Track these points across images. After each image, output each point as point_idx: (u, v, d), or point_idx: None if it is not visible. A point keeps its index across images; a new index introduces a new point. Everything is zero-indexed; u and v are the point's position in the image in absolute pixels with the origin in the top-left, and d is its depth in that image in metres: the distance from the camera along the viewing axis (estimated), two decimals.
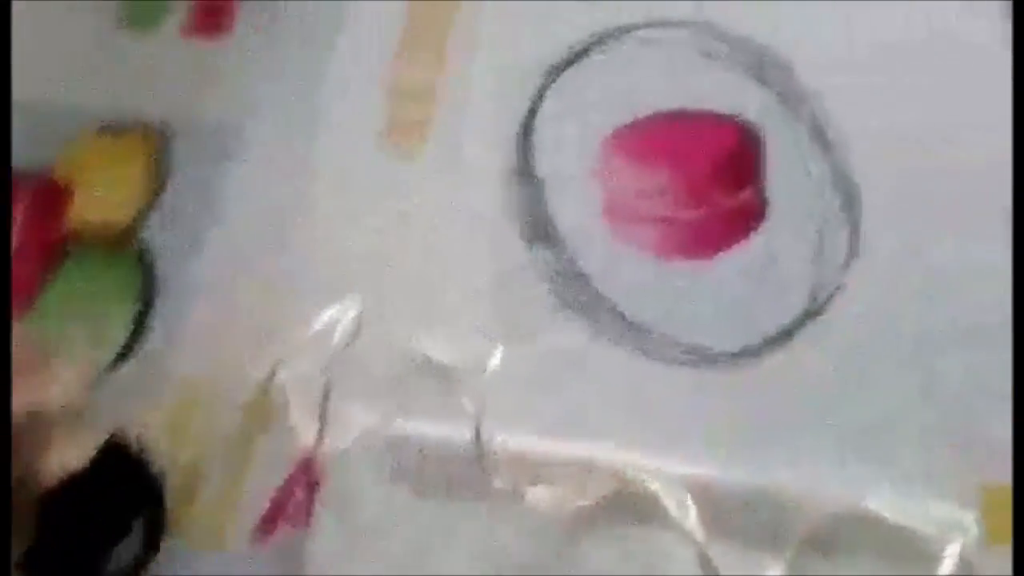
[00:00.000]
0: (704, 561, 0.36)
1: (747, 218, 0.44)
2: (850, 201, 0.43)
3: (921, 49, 0.45)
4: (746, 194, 0.44)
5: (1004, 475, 0.37)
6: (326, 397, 0.37)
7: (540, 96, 0.47)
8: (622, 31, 0.47)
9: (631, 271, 0.43)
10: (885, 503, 0.37)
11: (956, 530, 0.37)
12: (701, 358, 0.41)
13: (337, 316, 0.39)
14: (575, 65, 0.47)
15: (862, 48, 0.46)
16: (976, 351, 0.40)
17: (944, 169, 0.43)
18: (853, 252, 0.42)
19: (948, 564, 0.36)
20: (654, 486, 0.37)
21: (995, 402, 0.39)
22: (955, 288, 0.41)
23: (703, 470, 0.39)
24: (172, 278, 0.42)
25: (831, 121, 0.45)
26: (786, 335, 0.41)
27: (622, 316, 0.42)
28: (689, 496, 0.37)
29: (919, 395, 0.40)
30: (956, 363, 0.40)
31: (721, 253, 0.43)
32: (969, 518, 0.37)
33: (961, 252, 0.42)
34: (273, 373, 0.39)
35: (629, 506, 0.38)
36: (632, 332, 0.42)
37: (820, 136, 0.45)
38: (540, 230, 0.44)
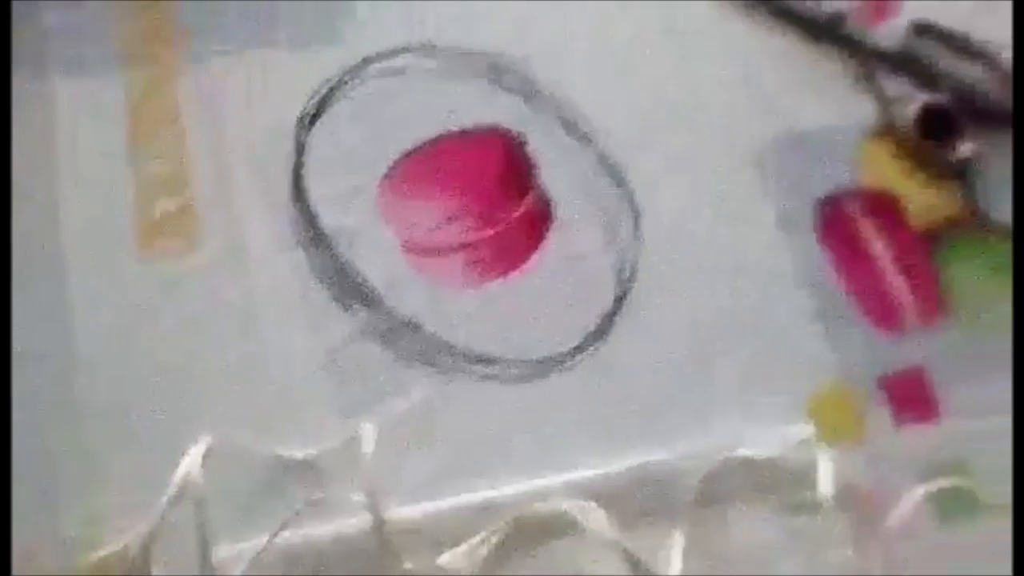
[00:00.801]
0: (628, 557, 0.37)
1: (539, 221, 0.45)
2: (621, 182, 0.46)
3: (650, 34, 0.49)
4: (530, 199, 0.46)
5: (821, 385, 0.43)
6: (205, 546, 0.34)
7: (299, 154, 0.44)
8: (358, 69, 0.46)
9: (452, 305, 0.43)
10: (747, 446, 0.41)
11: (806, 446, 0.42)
12: (547, 367, 0.43)
13: (188, 464, 0.35)
14: (325, 112, 0.45)
15: (590, 38, 0.49)
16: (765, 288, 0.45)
17: (684, 138, 0.48)
18: (638, 229, 0.46)
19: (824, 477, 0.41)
20: (554, 502, 0.38)
21: (803, 326, 0.45)
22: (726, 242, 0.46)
23: (586, 472, 0.40)
24: None
25: (579, 113, 0.47)
26: (608, 321, 0.44)
27: (460, 352, 0.42)
28: (592, 501, 0.38)
29: (742, 337, 0.44)
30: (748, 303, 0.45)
31: (528, 262, 0.45)
32: (806, 429, 0.42)
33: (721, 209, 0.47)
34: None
35: (539, 529, 0.38)
36: (476, 364, 0.42)
37: (574, 129, 0.47)
38: (350, 291, 0.42)
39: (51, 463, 0.38)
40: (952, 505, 0.43)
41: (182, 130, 0.44)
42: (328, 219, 0.44)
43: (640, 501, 0.40)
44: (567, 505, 0.38)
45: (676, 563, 0.38)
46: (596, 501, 0.39)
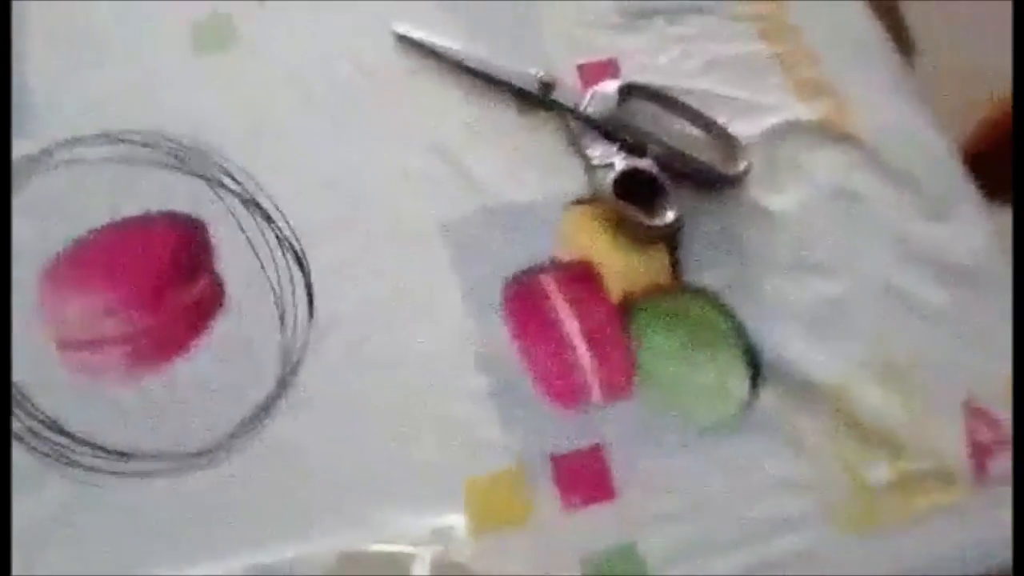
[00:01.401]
0: None
1: (207, 307, 0.45)
2: (300, 261, 0.46)
3: (342, 113, 0.49)
4: (200, 285, 0.45)
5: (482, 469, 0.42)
6: None
7: None
8: (32, 161, 0.46)
9: (104, 400, 0.42)
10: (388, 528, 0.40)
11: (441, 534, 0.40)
12: (195, 459, 0.42)
13: None
14: None
15: (278, 125, 0.49)
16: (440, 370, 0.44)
17: (371, 214, 0.47)
18: (312, 311, 0.45)
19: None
20: None
21: (473, 408, 0.43)
22: (421, 322, 0.45)
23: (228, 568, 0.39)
24: None
25: (262, 190, 0.47)
26: (269, 406, 0.43)
27: (103, 449, 0.41)
28: None
29: (392, 427, 0.43)
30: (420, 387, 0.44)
31: (191, 349, 0.44)
32: (456, 518, 0.41)
33: (405, 288, 0.46)
34: None
35: None
36: (119, 461, 0.41)
37: (255, 207, 0.47)
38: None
39: None
40: None
41: None
42: None
43: None
44: None
45: None
46: None
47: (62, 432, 0.41)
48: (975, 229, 0.51)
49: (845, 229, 0.49)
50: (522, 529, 0.42)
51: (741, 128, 0.51)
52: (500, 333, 0.46)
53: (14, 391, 0.42)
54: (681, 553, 0.42)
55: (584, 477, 0.43)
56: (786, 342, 0.46)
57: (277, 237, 0.47)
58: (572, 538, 0.42)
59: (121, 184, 0.47)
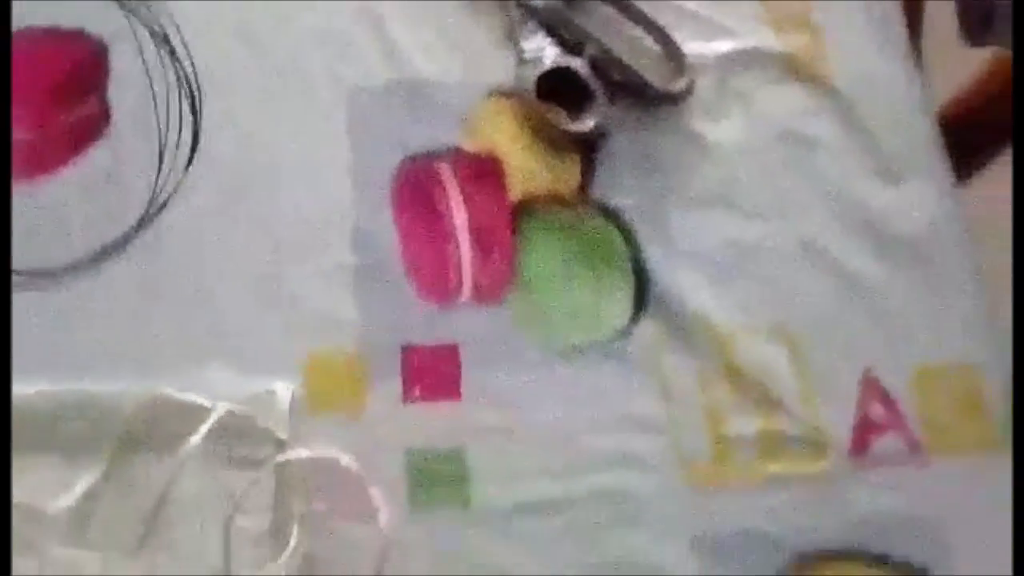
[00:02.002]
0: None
1: (87, 131, 0.43)
2: (193, 104, 0.44)
3: None
4: (88, 106, 0.44)
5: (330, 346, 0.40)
6: None
7: None
8: None
9: None
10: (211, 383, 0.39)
11: (270, 402, 0.39)
12: (39, 279, 0.40)
13: None
14: None
15: None
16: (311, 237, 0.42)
17: (278, 67, 0.45)
18: (192, 157, 0.43)
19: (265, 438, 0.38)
20: None
21: (334, 284, 0.41)
22: (301, 187, 0.43)
23: (29, 389, 0.38)
24: None
25: (177, 26, 0.45)
26: (123, 243, 0.41)
27: None
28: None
29: (261, 284, 0.42)
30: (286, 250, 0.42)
31: (61, 169, 0.42)
32: (287, 389, 0.39)
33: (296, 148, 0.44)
34: None
35: None
36: None
37: (163, 40, 0.45)
38: None
39: None
40: (431, 496, 0.39)
41: None
42: None
43: (65, 428, 0.38)
44: None
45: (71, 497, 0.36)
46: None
47: None
48: (927, 201, 0.47)
49: (781, 175, 0.46)
50: (354, 413, 0.40)
51: (697, 47, 0.48)
52: (383, 213, 0.43)
53: None
54: (509, 469, 0.40)
55: (431, 373, 0.41)
56: (681, 279, 0.43)
57: (177, 76, 0.45)
58: (403, 431, 0.40)
59: None
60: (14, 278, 0.41)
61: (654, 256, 0.44)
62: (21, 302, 0.40)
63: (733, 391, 0.42)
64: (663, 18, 0.48)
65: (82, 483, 0.37)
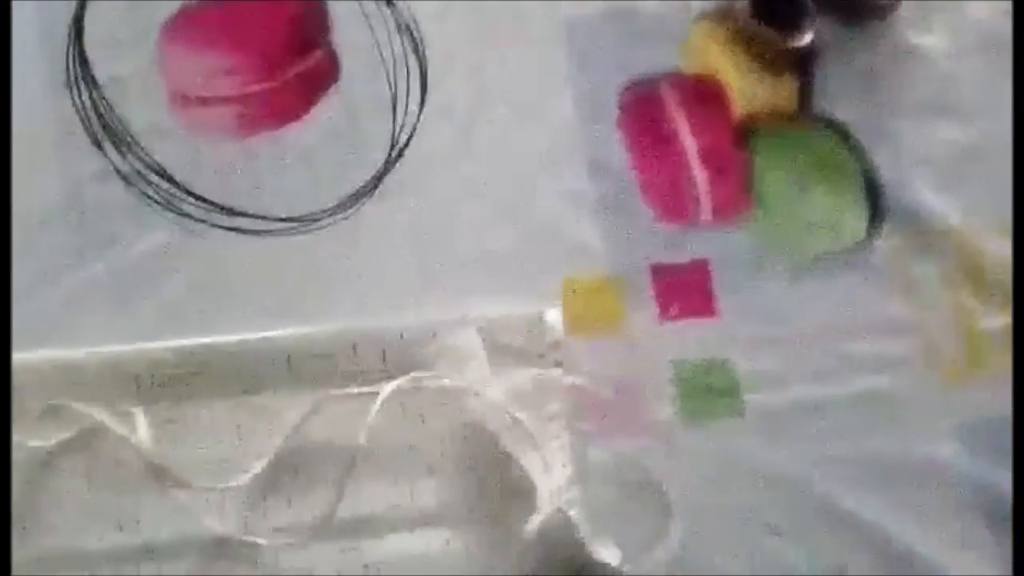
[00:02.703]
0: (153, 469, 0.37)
1: (321, 79, 0.44)
2: (416, 47, 0.45)
3: None
4: (316, 56, 0.45)
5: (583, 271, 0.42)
6: None
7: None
8: None
9: (211, 156, 0.43)
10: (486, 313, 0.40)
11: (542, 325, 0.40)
12: (296, 224, 0.42)
13: None
14: None
15: None
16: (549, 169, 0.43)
17: (494, 4, 0.46)
18: (424, 99, 0.44)
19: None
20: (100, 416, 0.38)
21: (576, 211, 0.43)
22: (531, 119, 0.44)
23: (312, 328, 0.40)
24: None
25: None
26: (372, 185, 0.43)
27: (208, 202, 0.42)
28: (141, 411, 0.38)
29: (508, 216, 0.43)
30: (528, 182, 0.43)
31: (302, 119, 0.43)
32: (554, 313, 0.40)
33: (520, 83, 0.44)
34: None
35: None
36: (222, 215, 0.41)
37: None
38: (107, 133, 0.42)
39: None
40: (703, 407, 0.40)
41: None
42: (101, 64, 0.43)
43: (357, 363, 0.39)
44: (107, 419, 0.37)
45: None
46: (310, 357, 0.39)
47: (170, 180, 0.42)
48: None
49: (992, 76, 0.46)
50: (615, 334, 0.42)
51: None
52: (612, 141, 0.45)
53: (128, 137, 0.42)
54: (774, 376, 0.41)
55: (685, 291, 0.43)
56: (913, 185, 0.44)
57: (397, 23, 0.46)
58: (665, 346, 0.42)
59: None
60: (267, 225, 0.42)
61: (881, 165, 0.45)
62: (281, 247, 0.42)
63: (977, 286, 0.43)
64: None
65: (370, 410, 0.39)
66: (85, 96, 0.43)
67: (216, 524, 0.37)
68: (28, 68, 0.43)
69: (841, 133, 0.45)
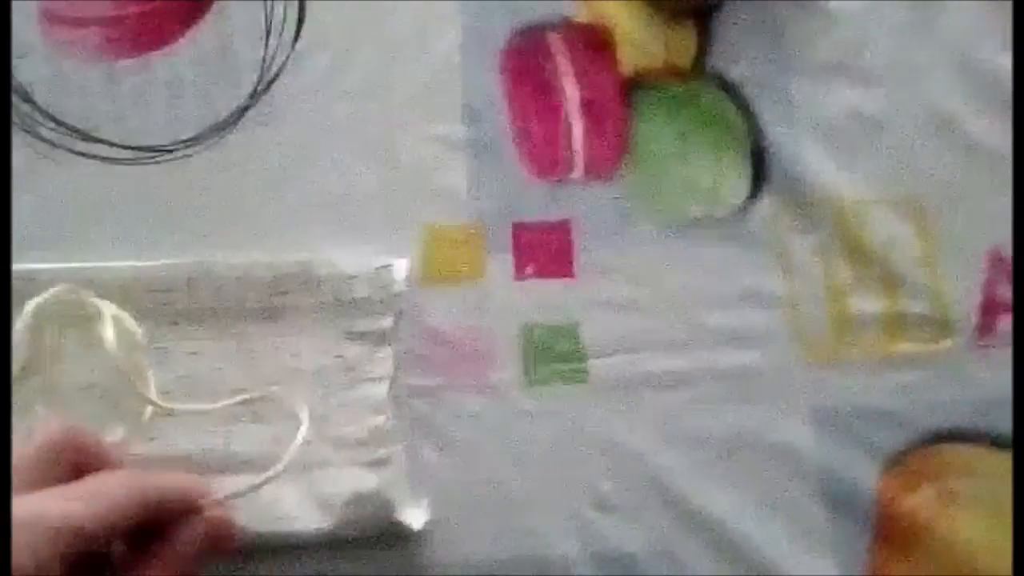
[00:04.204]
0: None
1: (194, 5, 0.42)
2: None
3: None
4: None
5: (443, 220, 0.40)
6: None
7: None
8: None
9: (76, 78, 0.41)
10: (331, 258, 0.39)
11: (388, 276, 0.38)
12: (153, 154, 0.41)
13: None
14: None
15: None
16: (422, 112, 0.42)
17: None
18: (299, 30, 0.42)
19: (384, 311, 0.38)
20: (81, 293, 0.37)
21: (445, 156, 0.41)
22: (409, 57, 0.42)
23: (152, 262, 0.39)
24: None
25: None
26: (236, 117, 0.41)
27: (66, 125, 0.41)
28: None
29: (373, 157, 0.41)
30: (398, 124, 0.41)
31: (171, 45, 0.42)
32: (403, 263, 0.39)
33: (403, 18, 0.42)
34: None
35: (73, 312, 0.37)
36: (79, 139, 0.40)
37: None
38: None
39: None
40: (547, 370, 0.39)
41: None
42: None
43: (192, 299, 0.38)
44: (92, 299, 0.36)
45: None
46: (137, 292, 0.38)
47: (29, 100, 0.41)
48: None
49: (908, 41, 0.43)
50: (468, 287, 0.40)
51: None
52: (492, 85, 0.42)
53: None
54: (623, 343, 0.39)
55: (544, 250, 0.41)
56: (803, 151, 0.41)
57: None
58: (516, 306, 0.40)
59: None
60: (127, 153, 0.41)
61: (775, 129, 0.42)
62: (139, 175, 0.41)
63: (856, 267, 0.40)
64: None
65: (209, 352, 0.38)
66: None
67: None
68: None
69: (733, 91, 0.42)
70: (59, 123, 0.41)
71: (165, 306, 0.38)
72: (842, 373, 0.40)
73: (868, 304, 0.40)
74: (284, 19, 0.43)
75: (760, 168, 0.42)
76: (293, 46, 0.43)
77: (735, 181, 0.41)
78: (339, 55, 0.42)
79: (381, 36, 0.43)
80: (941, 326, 0.40)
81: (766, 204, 0.41)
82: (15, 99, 0.41)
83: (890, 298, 0.40)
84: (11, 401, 0.35)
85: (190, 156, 0.41)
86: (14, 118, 0.41)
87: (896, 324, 0.40)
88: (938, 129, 0.42)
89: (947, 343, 0.40)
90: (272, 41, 0.43)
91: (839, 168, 0.41)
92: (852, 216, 0.41)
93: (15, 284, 0.38)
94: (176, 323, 0.38)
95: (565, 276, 0.40)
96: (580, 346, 0.40)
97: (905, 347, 0.40)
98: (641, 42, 0.43)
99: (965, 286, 0.41)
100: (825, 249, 0.41)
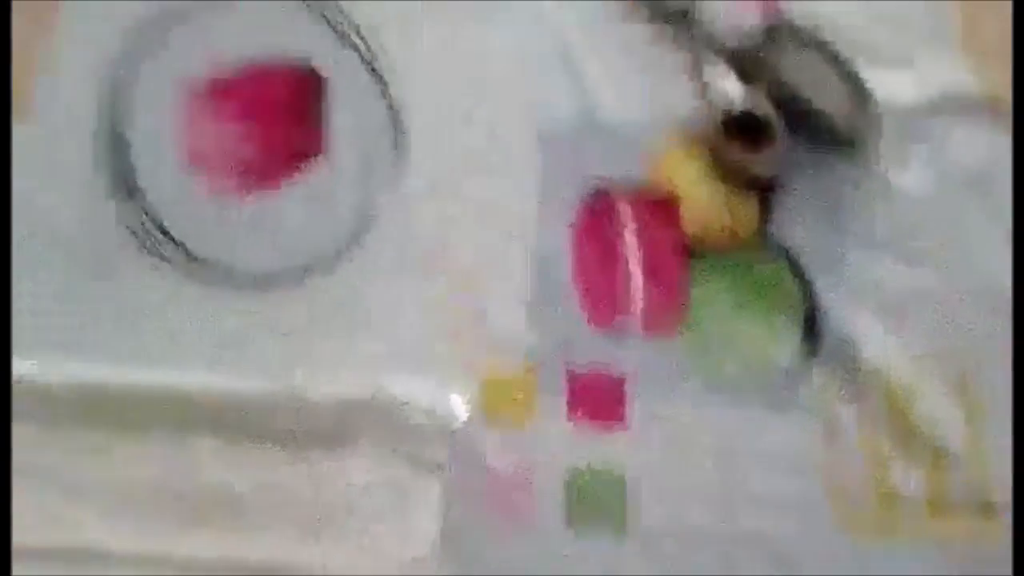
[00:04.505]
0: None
1: (307, 153, 0.48)
2: (400, 132, 0.48)
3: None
4: (306, 132, 0.48)
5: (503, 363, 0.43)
6: None
7: (130, 60, 0.50)
8: None
9: (201, 213, 0.47)
10: (396, 390, 0.42)
11: (447, 410, 0.42)
12: (260, 283, 0.46)
13: None
14: (162, 30, 0.50)
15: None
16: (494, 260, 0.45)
17: (480, 102, 0.48)
18: (399, 180, 0.47)
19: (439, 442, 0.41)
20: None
21: (511, 302, 0.44)
22: (489, 207, 0.46)
23: (243, 382, 0.43)
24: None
25: (386, 55, 0.49)
26: (338, 253, 0.46)
27: (192, 255, 0.46)
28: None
29: (447, 300, 0.45)
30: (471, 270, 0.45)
31: (284, 186, 0.47)
32: (463, 399, 0.42)
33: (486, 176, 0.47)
34: None
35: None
36: (197, 266, 0.46)
37: (374, 70, 0.49)
38: (122, 183, 0.48)
39: None
40: (589, 515, 0.41)
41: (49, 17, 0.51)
42: (133, 120, 0.49)
43: (273, 420, 0.42)
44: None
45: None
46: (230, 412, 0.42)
47: (161, 228, 0.47)
48: None
49: (964, 222, 0.44)
50: (520, 427, 0.43)
51: (891, 90, 0.47)
52: (560, 238, 0.46)
53: (134, 186, 0.48)
54: (665, 495, 0.41)
55: (596, 396, 0.43)
56: (855, 322, 0.43)
57: (388, 106, 0.49)
58: (566, 449, 0.42)
59: (263, 24, 0.51)
60: (233, 280, 0.46)
61: (830, 300, 0.44)
62: (241, 301, 0.46)
63: (901, 441, 0.41)
64: (852, 59, 0.48)
65: (282, 471, 0.42)
66: (112, 149, 0.50)
67: None
68: (75, 107, 0.50)
69: (791, 259, 0.45)
70: (183, 250, 0.47)
71: (248, 424, 0.43)
72: (882, 549, 0.40)
73: (911, 480, 0.41)
74: (385, 173, 0.48)
75: (812, 335, 0.43)
76: (390, 196, 0.48)
77: (786, 346, 0.43)
78: (427, 209, 0.47)
79: (468, 192, 0.47)
80: (985, 507, 0.40)
81: (816, 371, 0.43)
82: (151, 226, 0.48)
83: (934, 475, 0.41)
84: (11, 401, 0.36)
85: (289, 287, 0.46)
86: (144, 242, 0.48)
87: (939, 502, 0.40)
88: (993, 308, 0.43)
89: (991, 524, 0.40)
90: (372, 192, 0.48)
91: (889, 340, 0.43)
92: (899, 389, 0.42)
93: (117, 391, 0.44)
94: (257, 440, 0.43)
95: (615, 424, 0.43)
96: (623, 494, 0.41)
97: (947, 526, 0.40)
98: (704, 209, 0.46)
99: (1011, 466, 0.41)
100: (871, 420, 0.42)
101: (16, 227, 0.45)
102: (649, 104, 0.48)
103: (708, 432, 0.42)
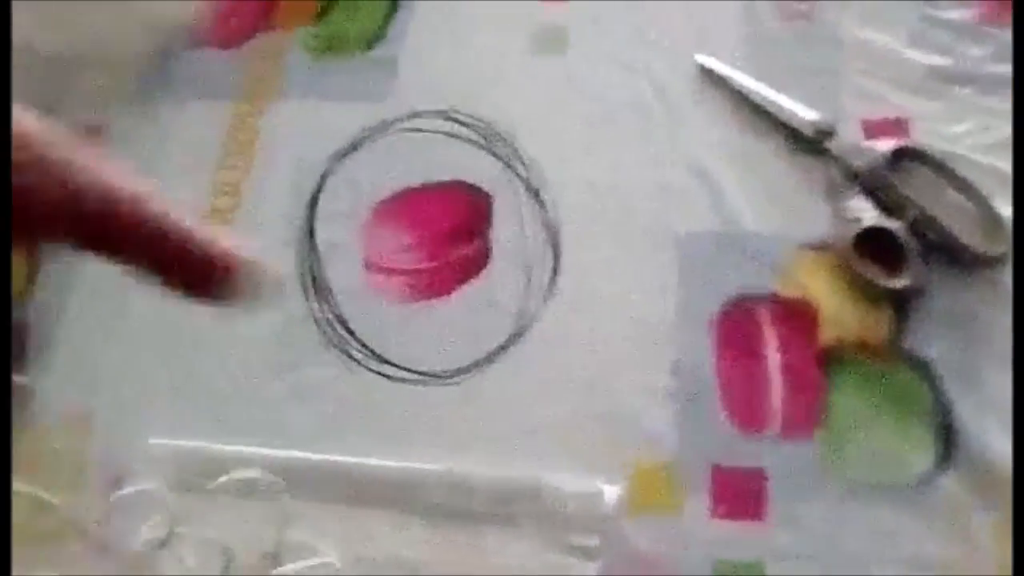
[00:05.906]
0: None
1: (475, 264, 0.54)
2: (555, 247, 0.53)
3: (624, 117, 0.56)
4: (474, 245, 0.54)
5: (650, 458, 0.47)
6: None
7: (323, 179, 0.58)
8: (387, 124, 0.59)
9: (381, 314, 0.54)
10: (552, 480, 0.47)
11: (599, 500, 0.45)
12: (429, 378, 0.51)
13: None
14: (352, 153, 0.58)
15: (569, 119, 0.57)
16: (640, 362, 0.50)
17: (622, 216, 0.53)
18: (551, 290, 0.52)
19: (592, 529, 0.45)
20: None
21: (654, 402, 0.48)
22: (633, 314, 0.51)
23: (423, 464, 0.48)
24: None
25: (545, 182, 0.55)
26: (496, 355, 0.51)
27: (370, 350, 0.52)
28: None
29: (593, 399, 0.49)
30: (619, 371, 0.49)
31: (452, 295, 0.53)
32: (613, 491, 0.46)
33: (632, 285, 0.52)
34: None
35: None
36: (377, 362, 0.52)
37: (535, 195, 0.55)
38: (314, 285, 0.55)
39: None
40: None
41: (254, 150, 0.60)
42: (322, 230, 0.56)
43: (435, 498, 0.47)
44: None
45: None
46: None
47: (347, 327, 0.54)
48: None
49: None
50: (667, 519, 0.46)
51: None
52: (703, 346, 0.50)
53: (327, 289, 0.55)
54: None
55: (738, 494, 0.46)
56: (989, 433, 0.45)
57: (544, 223, 0.55)
58: (710, 541, 0.45)
59: (440, 152, 0.58)
60: (405, 375, 0.52)
61: (964, 410, 0.46)
62: (412, 393, 0.52)
63: None
64: (983, 182, 0.50)
65: (432, 544, 0.47)
66: (305, 255, 0.57)
67: None
68: (274, 222, 0.58)
69: (924, 370, 0.47)
70: (363, 346, 0.54)
71: (414, 502, 0.48)
72: None
73: None
74: (539, 284, 0.54)
75: (947, 443, 0.45)
76: (544, 305, 0.53)
77: (921, 454, 0.45)
78: (576, 315, 0.52)
79: (612, 297, 0.52)
80: None
81: (950, 478, 0.44)
82: (338, 325, 0.55)
83: None
84: (11, 397, 0.39)
85: (455, 383, 0.52)
86: (332, 339, 0.54)
87: None
88: None
89: None
90: (528, 300, 0.53)
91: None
92: None
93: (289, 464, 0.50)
94: (422, 518, 0.48)
95: (755, 520, 0.46)
96: None
97: None
98: (841, 319, 0.49)
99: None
100: (1001, 527, 0.43)
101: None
102: (783, 219, 0.52)
103: (842, 531, 0.44)
